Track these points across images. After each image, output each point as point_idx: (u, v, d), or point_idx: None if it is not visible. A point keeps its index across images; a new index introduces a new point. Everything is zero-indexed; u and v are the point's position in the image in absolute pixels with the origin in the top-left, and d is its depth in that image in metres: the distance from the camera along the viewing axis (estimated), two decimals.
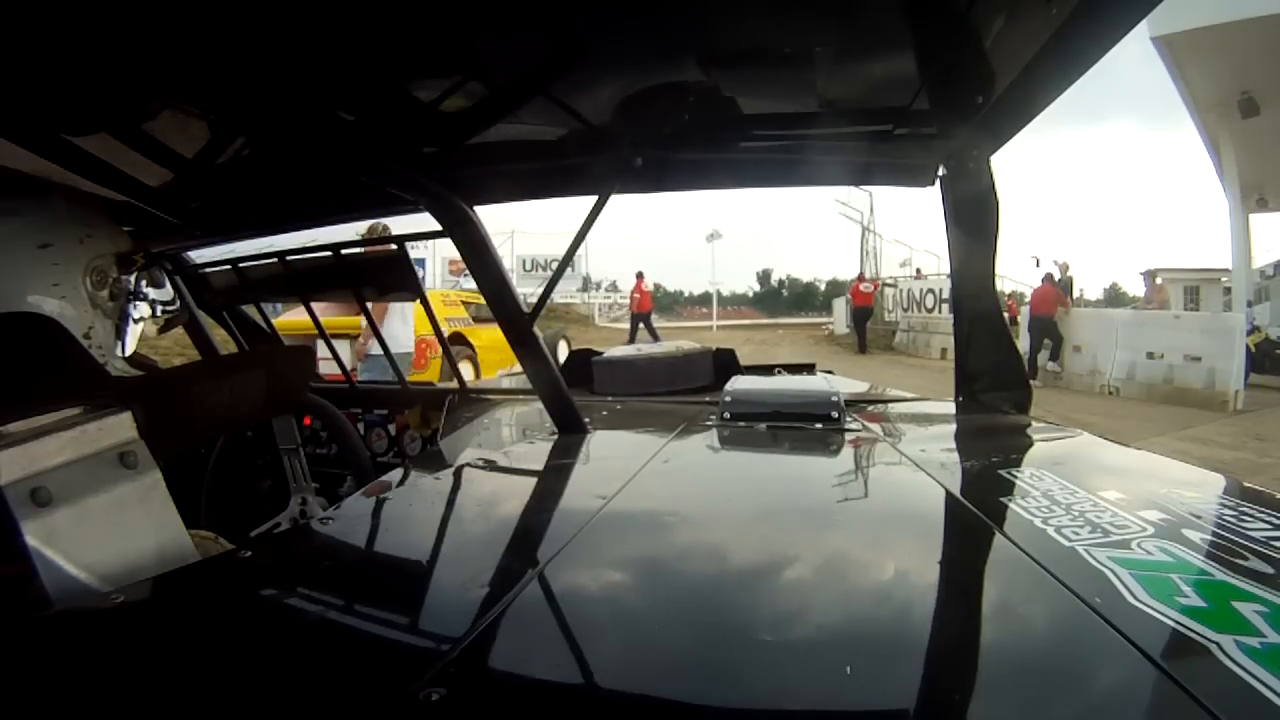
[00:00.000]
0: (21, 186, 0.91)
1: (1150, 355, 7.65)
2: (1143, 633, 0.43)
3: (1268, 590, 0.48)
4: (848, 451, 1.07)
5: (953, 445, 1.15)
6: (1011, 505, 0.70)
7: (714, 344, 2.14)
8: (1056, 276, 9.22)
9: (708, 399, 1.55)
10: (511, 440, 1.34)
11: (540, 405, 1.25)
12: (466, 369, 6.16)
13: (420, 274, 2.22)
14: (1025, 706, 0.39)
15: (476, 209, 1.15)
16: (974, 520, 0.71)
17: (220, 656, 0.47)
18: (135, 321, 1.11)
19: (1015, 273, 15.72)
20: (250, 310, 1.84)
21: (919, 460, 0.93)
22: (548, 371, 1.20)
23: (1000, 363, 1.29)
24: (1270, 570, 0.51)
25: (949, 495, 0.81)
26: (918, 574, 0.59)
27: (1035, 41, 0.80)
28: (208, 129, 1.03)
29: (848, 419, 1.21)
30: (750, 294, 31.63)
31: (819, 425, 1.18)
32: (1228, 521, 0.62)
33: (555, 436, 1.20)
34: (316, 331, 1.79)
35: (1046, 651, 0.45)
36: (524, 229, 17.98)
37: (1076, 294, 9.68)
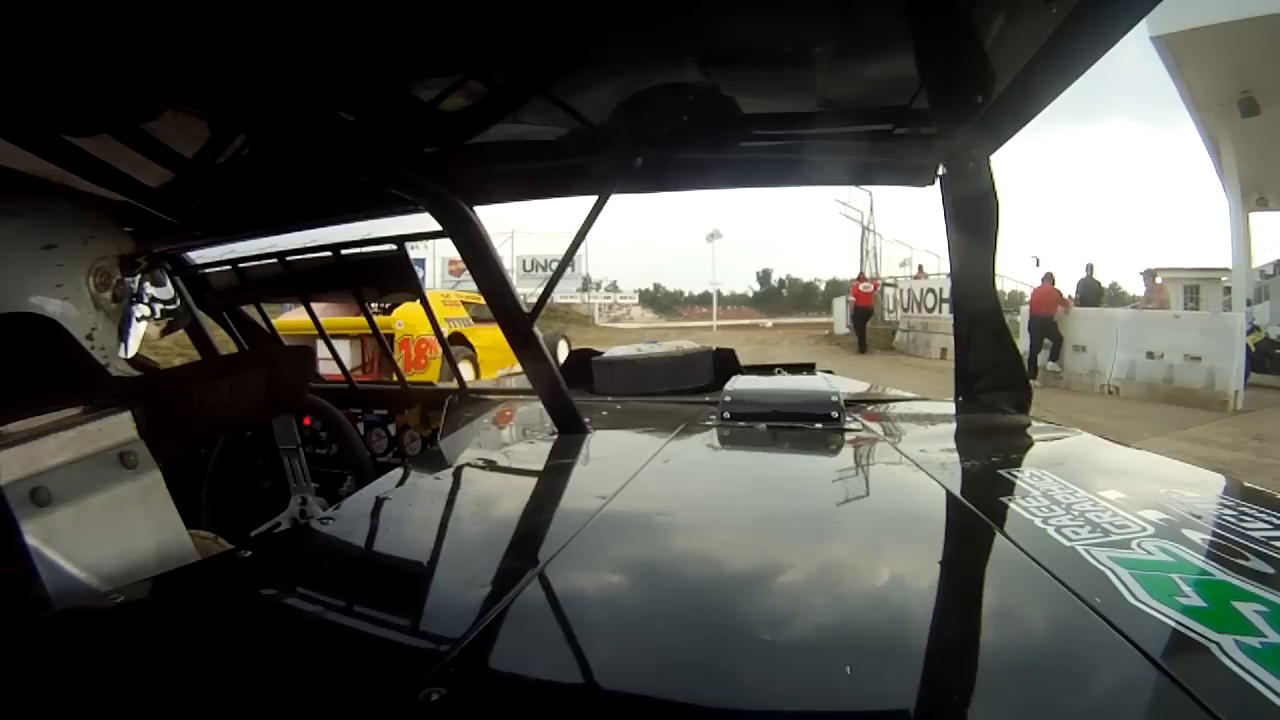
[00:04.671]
0: (25, 187, 0.91)
1: (1150, 355, 7.64)
2: (1143, 633, 0.43)
3: (1268, 590, 0.48)
4: (848, 451, 1.07)
5: (953, 445, 1.15)
6: (1011, 505, 0.70)
7: (714, 344, 2.14)
8: (1064, 289, 9.16)
9: (708, 399, 1.55)
10: (511, 440, 1.34)
11: (540, 405, 1.25)
12: (466, 369, 6.17)
13: (420, 274, 2.22)
14: (1025, 706, 0.39)
15: (476, 209, 1.15)
16: (974, 520, 0.71)
17: (220, 656, 0.47)
18: (138, 320, 1.11)
19: (1016, 273, 15.77)
20: (250, 310, 1.84)
21: (919, 460, 0.93)
22: (548, 371, 1.20)
23: (1000, 363, 1.29)
24: (1270, 570, 0.51)
25: (949, 495, 0.81)
26: (918, 574, 0.59)
27: (1035, 41, 0.80)
28: (208, 129, 1.03)
29: (848, 419, 1.21)
30: (750, 294, 31.70)
31: (819, 425, 1.18)
32: (1228, 521, 0.62)
33: (555, 436, 1.20)
34: (320, 331, 1.79)
35: (1046, 651, 0.45)
36: (524, 229, 18.03)
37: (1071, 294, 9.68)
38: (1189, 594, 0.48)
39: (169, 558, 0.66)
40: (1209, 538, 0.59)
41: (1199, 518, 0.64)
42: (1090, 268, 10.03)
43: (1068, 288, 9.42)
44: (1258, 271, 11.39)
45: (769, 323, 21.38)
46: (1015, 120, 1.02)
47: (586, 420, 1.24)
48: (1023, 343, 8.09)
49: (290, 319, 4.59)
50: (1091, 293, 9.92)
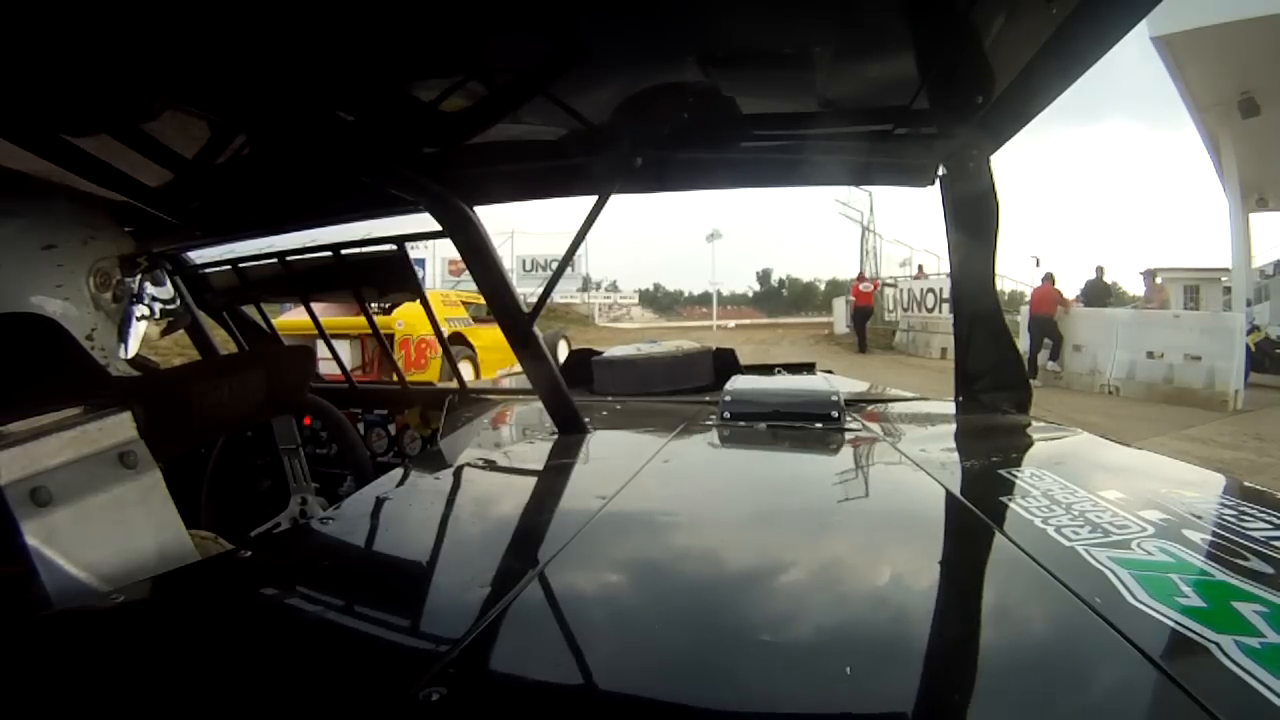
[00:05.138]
0: (25, 187, 0.91)
1: (1150, 355, 7.65)
2: (1143, 633, 0.43)
3: (1268, 590, 0.48)
4: (848, 451, 1.07)
5: (953, 445, 1.15)
6: (1011, 505, 0.70)
7: (714, 344, 2.15)
8: (1064, 289, 9.14)
9: (708, 399, 1.55)
10: (511, 440, 1.34)
11: (540, 405, 1.25)
12: (466, 369, 6.17)
13: (420, 274, 2.22)
14: (1025, 706, 0.39)
15: (476, 209, 1.15)
16: (974, 520, 0.71)
17: (220, 656, 0.47)
18: (138, 320, 1.11)
19: (1016, 273, 15.78)
20: (250, 310, 1.84)
21: (919, 460, 0.93)
22: (548, 371, 1.20)
23: (1000, 362, 1.29)
24: (1270, 570, 0.51)
25: (949, 495, 0.81)
26: (917, 574, 0.59)
27: (1035, 41, 0.80)
28: (208, 129, 1.03)
29: (848, 419, 1.21)
30: (750, 294, 31.68)
31: (819, 425, 1.18)
32: (1228, 521, 0.62)
33: (555, 436, 1.20)
34: (320, 331, 1.79)
35: (1046, 651, 0.45)
36: (524, 229, 18.03)
37: (1075, 294, 9.68)
38: (1189, 594, 0.48)
39: (169, 558, 0.66)
40: (1209, 538, 0.59)
41: (1199, 518, 0.64)
42: (1100, 270, 10.03)
43: (1068, 288, 9.44)
44: (1258, 271, 11.40)
45: (731, 323, 20.53)
46: (1015, 120, 1.02)
47: (586, 420, 1.24)
48: (1023, 343, 8.09)
49: (290, 319, 4.59)
50: (1097, 295, 9.91)
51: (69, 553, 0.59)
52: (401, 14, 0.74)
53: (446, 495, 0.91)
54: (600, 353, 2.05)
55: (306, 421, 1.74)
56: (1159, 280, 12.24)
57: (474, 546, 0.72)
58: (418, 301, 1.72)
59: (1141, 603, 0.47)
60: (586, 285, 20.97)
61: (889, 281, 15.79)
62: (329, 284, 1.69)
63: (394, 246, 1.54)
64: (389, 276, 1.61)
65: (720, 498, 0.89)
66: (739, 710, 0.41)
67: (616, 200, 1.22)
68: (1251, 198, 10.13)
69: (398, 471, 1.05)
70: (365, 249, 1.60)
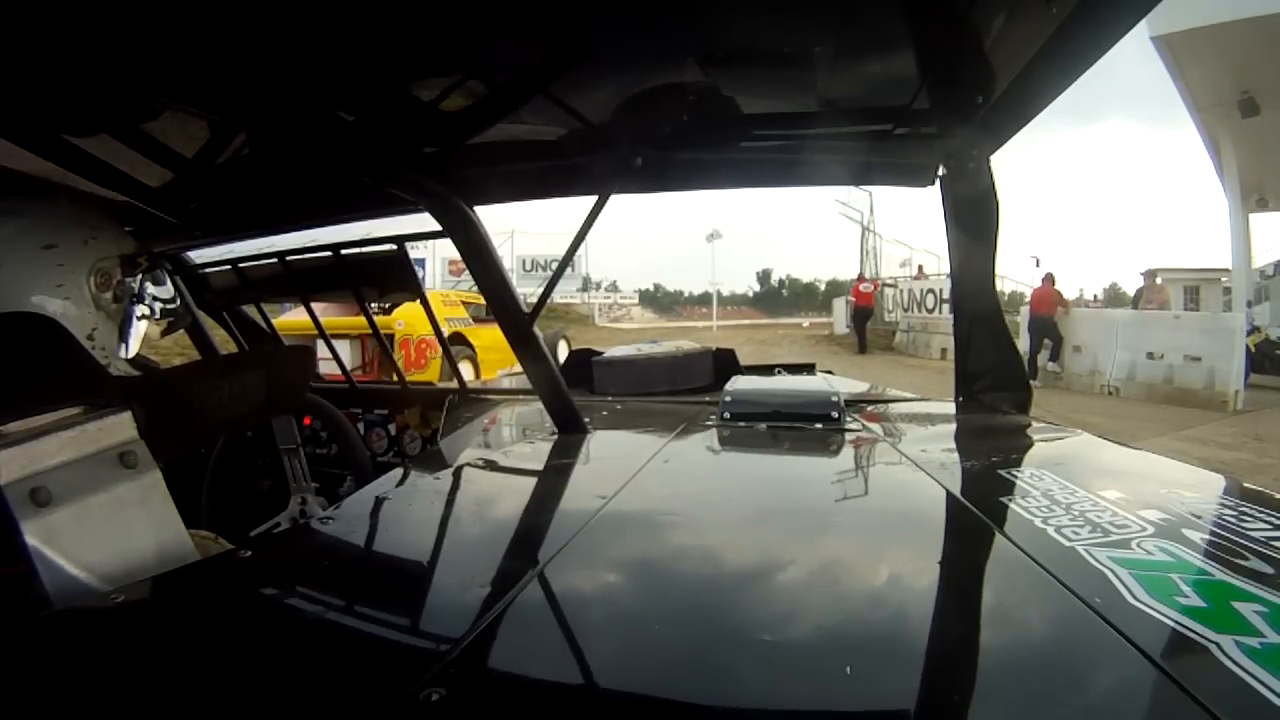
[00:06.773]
0: (27, 187, 0.91)
1: (1150, 355, 7.65)
2: (1143, 633, 0.43)
3: (1268, 590, 0.48)
4: (848, 452, 1.07)
5: (953, 445, 1.15)
6: (1011, 505, 0.70)
7: (714, 344, 2.14)
8: (1064, 289, 9.20)
9: (708, 399, 1.55)
10: (511, 440, 1.34)
11: (540, 405, 1.25)
12: (466, 369, 6.17)
13: (420, 274, 2.22)
14: (1025, 706, 0.39)
15: (476, 209, 1.15)
16: (974, 520, 0.71)
17: (220, 656, 0.47)
18: (138, 320, 1.11)
19: (1016, 273, 15.79)
20: (250, 310, 1.84)
21: (919, 460, 0.93)
22: (548, 371, 1.20)
23: (1000, 363, 1.29)
24: (1270, 570, 0.51)
25: (949, 495, 0.81)
26: (918, 574, 0.59)
27: (1035, 41, 0.80)
28: (208, 129, 1.03)
29: (848, 419, 1.21)
30: (750, 294, 31.67)
31: (819, 425, 1.18)
32: (1228, 521, 0.62)
33: (555, 436, 1.20)
34: (320, 331, 1.79)
35: (1046, 651, 0.45)
36: (524, 229, 18.04)
37: (1076, 294, 9.76)
38: (1189, 594, 0.48)
39: (169, 558, 0.66)
40: (1209, 538, 0.59)
41: (1199, 518, 0.64)
42: (1151, 274, 10.11)
43: (1068, 288, 9.49)
44: (1258, 272, 11.40)
45: (714, 325, 20.09)
46: (1015, 120, 1.02)
47: (586, 420, 1.24)
48: (1023, 343, 8.09)
49: (290, 319, 4.59)
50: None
51: (69, 553, 0.59)
52: (401, 14, 0.74)
53: (446, 495, 0.91)
54: (600, 353, 2.05)
55: (306, 421, 1.74)
56: (1159, 280, 12.25)
57: (474, 546, 0.72)
58: (418, 301, 1.72)
59: (1141, 603, 0.47)
60: (586, 285, 20.98)
61: (889, 282, 15.78)
62: (329, 284, 1.69)
63: (394, 246, 1.54)
64: (389, 276, 1.61)
65: (720, 498, 0.89)
66: (739, 710, 0.41)
67: (616, 200, 1.22)
68: (1251, 198, 10.14)
69: (398, 471, 1.05)
70: (365, 249, 1.60)
